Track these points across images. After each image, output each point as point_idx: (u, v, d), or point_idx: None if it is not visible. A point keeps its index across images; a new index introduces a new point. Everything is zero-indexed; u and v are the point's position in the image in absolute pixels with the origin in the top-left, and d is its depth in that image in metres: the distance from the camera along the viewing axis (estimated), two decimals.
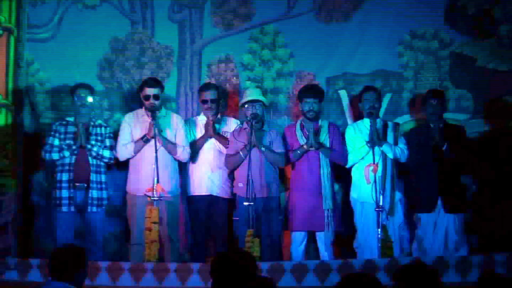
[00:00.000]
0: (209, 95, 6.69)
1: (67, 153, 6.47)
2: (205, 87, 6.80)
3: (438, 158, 6.46)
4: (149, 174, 6.19)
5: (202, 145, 6.66)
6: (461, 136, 6.63)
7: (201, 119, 6.77)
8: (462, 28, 7.09)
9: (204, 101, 6.70)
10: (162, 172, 6.19)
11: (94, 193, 6.46)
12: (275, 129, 6.72)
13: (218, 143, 6.65)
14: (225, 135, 6.69)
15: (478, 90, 7.03)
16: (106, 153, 6.55)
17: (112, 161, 6.61)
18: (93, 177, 6.48)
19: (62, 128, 6.58)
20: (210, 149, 6.67)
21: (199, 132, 6.74)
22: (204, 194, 6.62)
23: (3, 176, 6.57)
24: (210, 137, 6.64)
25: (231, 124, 6.75)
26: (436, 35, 7.12)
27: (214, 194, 6.62)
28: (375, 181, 6.18)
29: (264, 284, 3.99)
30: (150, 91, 6.55)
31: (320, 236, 6.47)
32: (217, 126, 6.70)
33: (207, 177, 6.62)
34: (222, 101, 6.92)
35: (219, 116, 6.78)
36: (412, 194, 6.61)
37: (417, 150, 6.56)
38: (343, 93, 7.13)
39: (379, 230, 6.09)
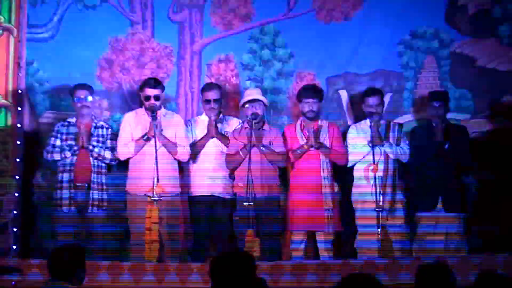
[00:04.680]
0: (211, 95, 6.69)
1: (68, 154, 6.48)
2: (208, 87, 6.80)
3: (440, 157, 6.46)
4: (149, 174, 6.19)
5: (204, 145, 6.66)
6: (464, 135, 6.63)
7: (203, 119, 6.77)
8: (462, 28, 7.10)
9: (207, 101, 6.70)
10: (162, 172, 6.18)
11: (94, 194, 6.47)
12: (275, 128, 6.72)
13: (220, 143, 6.65)
14: (227, 135, 6.68)
15: (478, 90, 7.03)
16: (108, 154, 6.55)
17: (113, 162, 6.61)
18: (94, 177, 6.48)
19: (63, 129, 6.59)
20: (212, 149, 6.66)
21: (200, 132, 6.74)
22: (205, 194, 6.61)
23: (3, 176, 6.57)
24: (212, 137, 6.64)
25: (233, 124, 6.74)
26: (436, 35, 7.12)
27: (216, 194, 6.62)
28: (375, 181, 6.19)
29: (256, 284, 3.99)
30: (150, 91, 6.55)
31: (320, 236, 6.48)
32: (219, 125, 6.70)
33: (208, 177, 6.62)
34: (223, 101, 6.92)
35: (221, 116, 6.78)
36: (412, 194, 6.61)
37: (419, 149, 6.56)
38: (343, 93, 7.13)
39: (379, 230, 6.10)
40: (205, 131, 6.67)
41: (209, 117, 6.67)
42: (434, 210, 6.44)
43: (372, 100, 6.59)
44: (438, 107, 6.57)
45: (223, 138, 6.65)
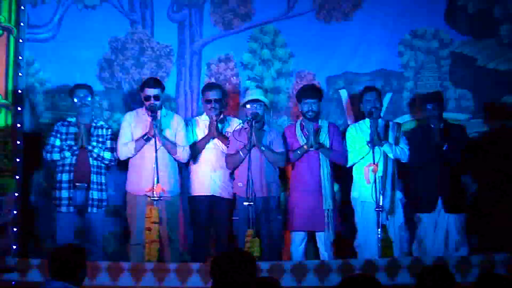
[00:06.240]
0: (213, 94, 6.69)
1: (68, 154, 6.48)
2: (209, 86, 6.81)
3: (439, 158, 6.46)
4: (149, 174, 6.19)
5: (205, 145, 6.65)
6: (462, 135, 6.63)
7: (204, 119, 6.77)
8: (462, 28, 7.11)
9: (208, 101, 6.70)
10: (162, 172, 6.18)
11: (94, 194, 6.47)
12: (275, 129, 6.73)
13: (220, 143, 6.65)
14: (228, 136, 6.68)
15: (478, 90, 7.04)
16: (107, 155, 6.55)
17: (112, 163, 6.61)
18: (93, 178, 6.48)
19: (63, 129, 6.59)
20: (212, 149, 6.66)
21: (201, 132, 6.74)
22: (206, 194, 6.62)
23: (3, 176, 6.56)
24: (213, 138, 6.64)
25: (234, 124, 6.74)
26: (436, 35, 7.13)
27: (216, 195, 6.62)
28: (375, 181, 6.19)
29: (268, 285, 4.00)
30: (150, 91, 6.55)
31: (320, 236, 6.47)
32: (220, 126, 6.70)
33: (209, 177, 6.62)
34: (224, 101, 6.91)
35: (222, 116, 6.78)
36: (412, 195, 6.60)
37: (418, 150, 6.56)
38: (343, 93, 7.13)
39: (379, 230, 6.10)
40: (206, 131, 6.67)
41: (210, 117, 6.67)
42: (434, 211, 6.44)
43: (370, 95, 6.60)
44: (432, 109, 6.57)
45: (224, 138, 6.65)
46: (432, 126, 6.57)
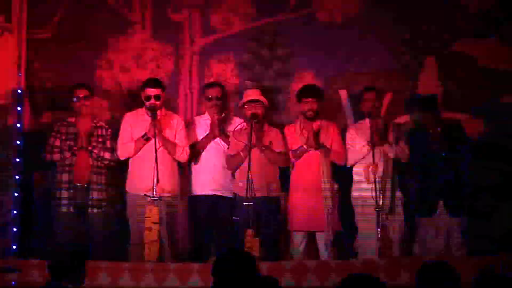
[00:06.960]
0: (214, 92, 6.71)
1: (68, 154, 6.48)
2: (210, 84, 6.83)
3: (438, 161, 6.45)
4: (149, 174, 6.19)
5: (207, 145, 6.66)
6: (461, 135, 6.62)
7: (205, 119, 6.77)
8: (462, 28, 7.11)
9: (209, 98, 6.70)
10: (162, 172, 6.18)
11: (94, 194, 6.47)
12: (275, 129, 6.73)
13: (223, 142, 6.65)
14: (230, 135, 6.68)
15: (478, 90, 7.03)
16: (107, 155, 6.55)
17: (112, 163, 6.61)
18: (93, 178, 6.48)
19: (63, 129, 6.59)
20: (214, 148, 6.67)
21: (202, 132, 6.73)
22: (208, 194, 6.62)
23: (3, 176, 6.57)
24: (215, 137, 6.64)
25: (236, 123, 6.74)
26: (436, 35, 7.12)
27: (218, 194, 6.62)
28: (375, 181, 6.19)
29: (268, 284, 3.99)
30: (151, 91, 6.55)
31: (320, 236, 6.48)
32: (222, 125, 6.70)
33: (211, 177, 6.62)
34: (224, 101, 6.92)
35: (223, 115, 6.78)
36: (412, 198, 6.59)
37: (417, 153, 6.55)
38: (343, 93, 7.13)
39: (379, 230, 6.10)
40: (207, 131, 6.67)
41: (212, 116, 6.67)
42: (435, 214, 6.43)
43: (369, 95, 6.60)
44: (427, 116, 6.56)
45: (226, 137, 6.66)
46: (430, 131, 6.55)
